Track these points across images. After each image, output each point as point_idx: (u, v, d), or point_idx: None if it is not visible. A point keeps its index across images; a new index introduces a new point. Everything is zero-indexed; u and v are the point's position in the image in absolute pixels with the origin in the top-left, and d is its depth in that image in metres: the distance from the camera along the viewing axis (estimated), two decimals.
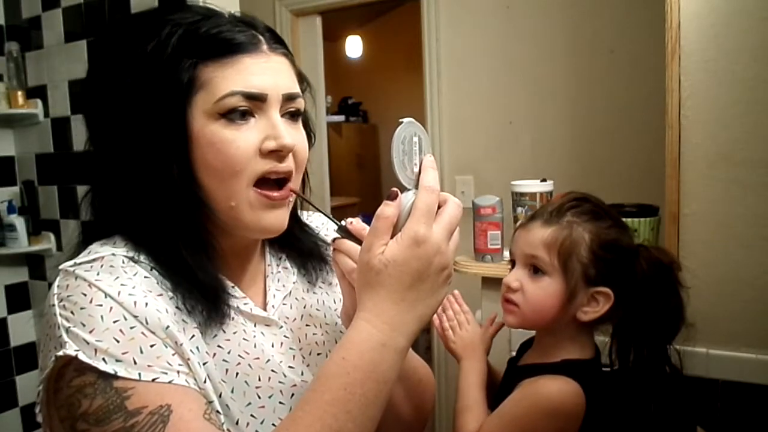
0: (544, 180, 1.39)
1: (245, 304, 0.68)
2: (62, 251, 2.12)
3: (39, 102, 2.06)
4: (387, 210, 0.58)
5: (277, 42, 0.66)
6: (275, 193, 0.64)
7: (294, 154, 0.65)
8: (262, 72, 0.63)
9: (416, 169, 0.61)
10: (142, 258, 0.62)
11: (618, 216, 0.94)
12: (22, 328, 2.18)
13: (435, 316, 1.10)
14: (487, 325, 1.08)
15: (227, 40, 0.61)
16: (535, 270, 0.90)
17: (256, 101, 0.62)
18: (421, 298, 0.57)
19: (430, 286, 0.58)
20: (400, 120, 0.60)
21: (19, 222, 2.07)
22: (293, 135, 0.65)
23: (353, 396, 0.55)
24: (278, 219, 0.66)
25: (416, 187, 0.59)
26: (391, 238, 0.57)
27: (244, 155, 0.62)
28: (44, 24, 2.04)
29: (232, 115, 0.61)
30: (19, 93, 2.06)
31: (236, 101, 0.61)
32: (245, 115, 0.62)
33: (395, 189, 0.59)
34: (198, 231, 0.64)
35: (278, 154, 0.63)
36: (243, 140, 0.62)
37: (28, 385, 2.17)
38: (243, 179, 0.62)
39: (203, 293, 0.62)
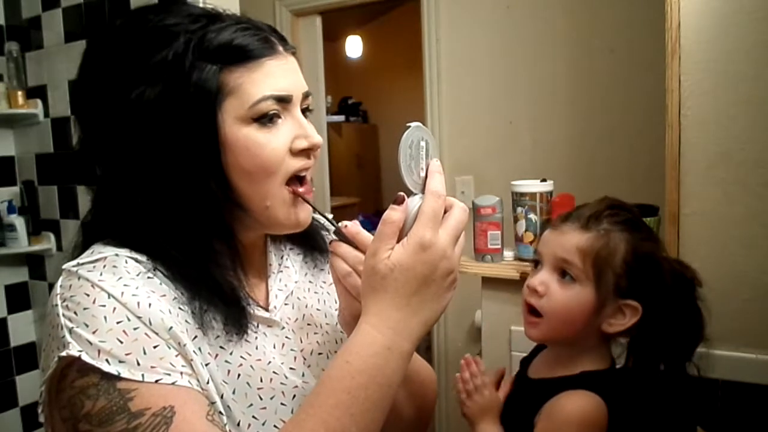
0: (544, 180, 1.39)
1: (248, 305, 0.68)
2: (62, 251, 2.12)
3: (39, 102, 2.06)
4: (393, 215, 0.58)
5: (285, 42, 0.67)
6: (303, 189, 0.66)
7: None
8: (285, 73, 0.64)
9: (423, 174, 0.61)
10: (150, 262, 0.61)
11: (649, 227, 0.92)
12: (22, 328, 2.17)
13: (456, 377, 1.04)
14: (504, 390, 1.00)
15: (245, 46, 0.62)
16: (564, 274, 0.86)
17: (284, 102, 0.64)
18: (426, 303, 0.58)
19: (436, 290, 0.58)
20: (408, 124, 0.60)
21: (19, 222, 2.07)
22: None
23: (357, 400, 0.55)
24: (307, 213, 0.69)
25: (423, 191, 0.59)
26: (398, 242, 0.58)
27: (278, 156, 0.63)
28: (44, 24, 2.04)
29: (263, 119, 0.62)
30: (19, 93, 2.06)
31: (269, 105, 0.62)
32: (273, 118, 0.63)
33: (402, 193, 0.59)
34: (227, 236, 0.65)
35: (308, 151, 0.66)
36: (276, 142, 0.63)
37: (28, 385, 2.17)
38: (277, 179, 0.64)
39: (226, 305, 0.63)
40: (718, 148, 1.19)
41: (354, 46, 4.86)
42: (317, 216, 0.85)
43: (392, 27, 4.38)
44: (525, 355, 1.03)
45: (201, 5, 0.67)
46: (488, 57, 2.15)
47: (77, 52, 0.66)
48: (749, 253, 1.18)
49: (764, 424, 1.15)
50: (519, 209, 1.38)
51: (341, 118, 4.59)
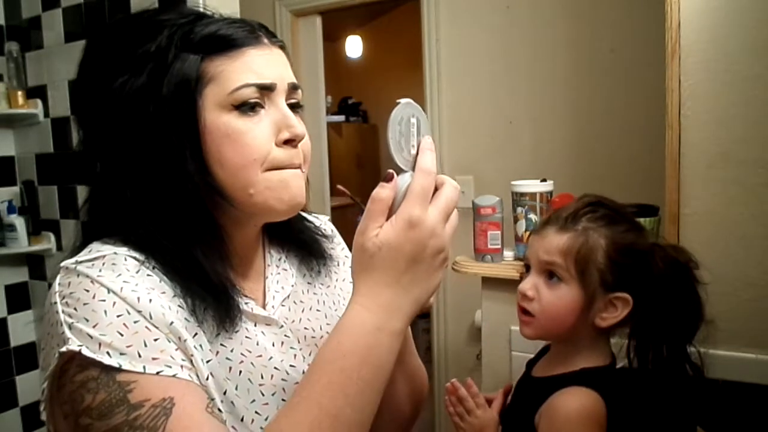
0: (544, 180, 1.39)
1: (246, 303, 0.68)
2: (62, 251, 2.12)
3: (39, 102, 2.06)
4: (382, 192, 0.58)
5: (273, 36, 0.68)
6: (289, 163, 0.65)
7: (301, 144, 0.67)
8: (268, 63, 0.64)
9: (413, 151, 0.60)
10: (149, 261, 0.62)
11: (633, 217, 0.93)
12: (22, 328, 2.17)
13: (447, 401, 1.03)
14: (497, 406, 1.01)
15: (228, 35, 0.62)
16: (551, 276, 0.88)
17: (266, 91, 0.63)
18: (416, 281, 0.57)
19: (426, 269, 0.57)
20: (398, 101, 0.59)
21: (19, 222, 2.07)
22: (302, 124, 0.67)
23: (350, 380, 0.55)
24: (299, 189, 0.66)
25: (413, 169, 0.58)
26: (387, 220, 0.57)
27: (260, 145, 0.63)
28: (44, 24, 2.04)
29: (244, 107, 0.62)
30: (19, 93, 2.06)
31: (250, 92, 0.62)
32: (255, 107, 0.63)
33: (391, 171, 0.59)
34: (213, 229, 0.65)
35: (292, 143, 0.65)
36: (258, 130, 0.63)
37: (28, 385, 2.17)
38: (259, 168, 0.63)
39: (215, 297, 0.62)
40: (718, 148, 1.19)
41: (354, 46, 4.86)
42: (314, 214, 0.86)
43: (392, 27, 4.38)
44: (525, 354, 1.03)
45: (201, 5, 0.68)
46: (488, 57, 2.15)
47: (77, 52, 0.67)
48: (749, 253, 1.18)
49: (764, 424, 1.15)
50: (519, 209, 1.38)
51: (341, 118, 4.59)
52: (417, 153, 0.59)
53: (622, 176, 1.84)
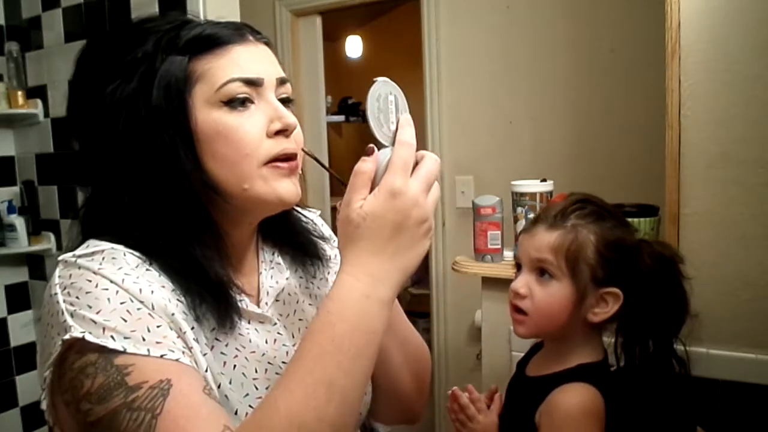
0: (544, 180, 1.39)
1: (241, 300, 0.69)
2: (62, 251, 2.12)
3: (39, 102, 2.06)
4: (364, 166, 0.60)
5: (258, 33, 0.69)
6: (286, 164, 0.66)
7: (294, 135, 0.68)
8: (254, 59, 0.66)
9: (393, 127, 0.62)
10: (147, 260, 0.62)
11: (620, 214, 0.94)
12: (22, 328, 2.17)
13: (449, 409, 1.03)
14: (495, 409, 1.00)
15: (213, 34, 0.64)
16: (542, 273, 0.89)
17: (254, 86, 0.64)
18: (401, 250, 0.58)
19: (410, 238, 0.58)
20: (375, 79, 0.61)
21: (19, 222, 2.07)
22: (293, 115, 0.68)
23: (341, 348, 0.55)
24: (293, 187, 0.67)
25: (393, 144, 0.60)
26: (370, 193, 0.59)
27: (253, 138, 0.63)
28: (44, 24, 2.04)
29: (234, 103, 0.63)
30: (19, 93, 2.06)
31: (237, 87, 0.63)
32: (245, 102, 0.64)
33: (372, 145, 0.61)
34: (210, 227, 0.65)
35: (284, 133, 0.66)
36: (249, 124, 0.64)
37: (28, 385, 2.16)
38: (253, 161, 0.64)
39: (214, 296, 0.63)
40: (718, 148, 1.19)
41: (354, 46, 4.85)
42: (306, 210, 0.86)
43: (392, 27, 4.37)
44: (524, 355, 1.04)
45: (201, 8, 0.70)
46: (488, 57, 2.15)
47: (77, 52, 0.67)
48: (749, 253, 1.18)
49: (764, 424, 1.15)
50: (519, 209, 1.38)
51: (341, 118, 4.58)
52: (396, 128, 0.61)
53: (622, 176, 1.84)
